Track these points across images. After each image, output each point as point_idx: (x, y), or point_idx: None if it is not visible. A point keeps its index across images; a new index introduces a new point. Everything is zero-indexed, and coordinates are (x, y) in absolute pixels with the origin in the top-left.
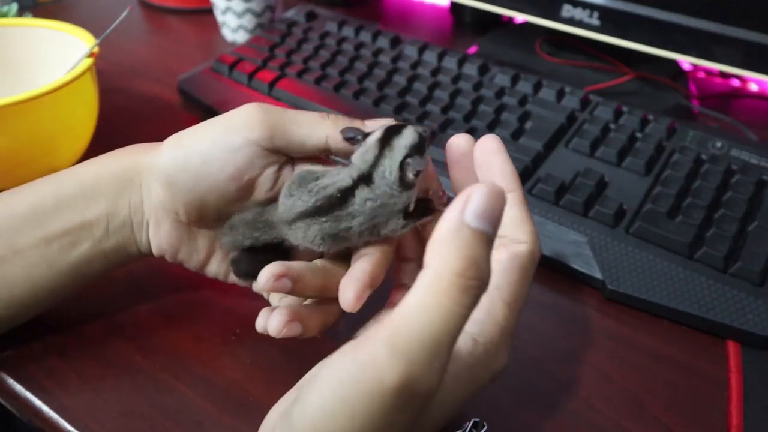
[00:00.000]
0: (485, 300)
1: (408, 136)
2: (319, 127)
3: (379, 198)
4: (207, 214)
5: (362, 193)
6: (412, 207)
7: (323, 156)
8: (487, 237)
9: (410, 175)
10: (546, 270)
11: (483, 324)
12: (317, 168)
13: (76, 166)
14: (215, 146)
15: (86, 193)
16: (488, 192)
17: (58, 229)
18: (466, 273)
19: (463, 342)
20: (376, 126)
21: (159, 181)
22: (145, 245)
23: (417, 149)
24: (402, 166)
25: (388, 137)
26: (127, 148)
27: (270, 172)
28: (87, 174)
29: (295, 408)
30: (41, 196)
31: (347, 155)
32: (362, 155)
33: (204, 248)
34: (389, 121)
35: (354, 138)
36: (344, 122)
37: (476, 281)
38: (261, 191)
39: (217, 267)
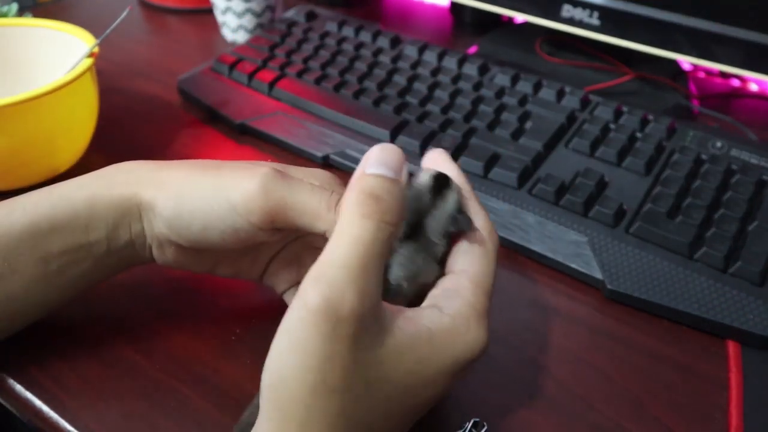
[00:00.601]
0: (451, 279)
1: (454, 191)
2: (320, 223)
3: (423, 249)
4: (215, 253)
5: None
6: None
7: None
8: (385, 177)
9: (453, 230)
10: (546, 270)
11: (449, 299)
12: None
13: (67, 185)
14: (218, 220)
15: (80, 219)
16: (381, 147)
17: (56, 250)
18: (366, 203)
19: (428, 311)
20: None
21: (161, 225)
22: (150, 258)
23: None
24: (453, 220)
25: (438, 187)
26: (122, 170)
27: (267, 239)
28: (80, 199)
29: None
30: (34, 219)
31: None
32: (413, 201)
33: (211, 260)
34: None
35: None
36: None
37: (377, 210)
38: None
39: (225, 270)
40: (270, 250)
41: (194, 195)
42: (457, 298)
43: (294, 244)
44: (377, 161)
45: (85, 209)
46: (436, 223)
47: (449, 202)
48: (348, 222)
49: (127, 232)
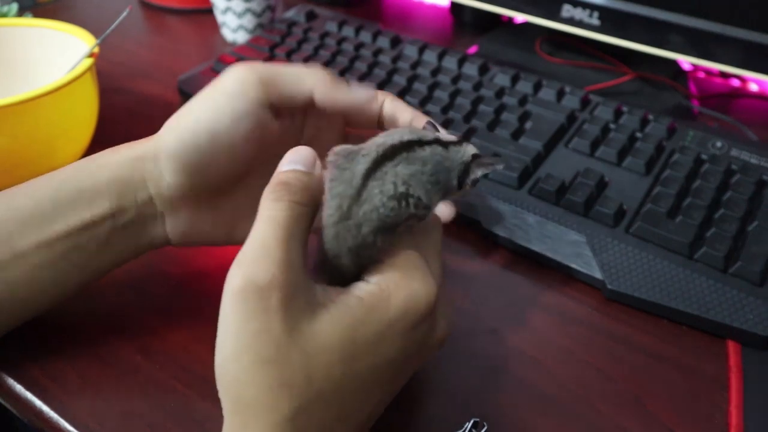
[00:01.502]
0: (385, 255)
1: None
2: (306, 83)
3: (448, 160)
4: (227, 183)
5: (437, 148)
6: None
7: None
8: (294, 170)
9: (478, 173)
10: (546, 270)
11: (376, 271)
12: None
13: (70, 167)
14: (221, 118)
15: (85, 196)
16: (293, 150)
17: (60, 231)
18: (276, 189)
19: (356, 284)
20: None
21: (169, 169)
22: (160, 236)
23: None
24: (475, 158)
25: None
26: (120, 146)
27: (274, 130)
28: (83, 177)
29: None
30: (38, 201)
31: (336, 108)
32: (441, 135)
33: (229, 218)
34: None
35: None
36: (330, 76)
37: (287, 192)
38: (272, 149)
39: (244, 232)
40: None
41: (191, 111)
42: (383, 267)
43: None
44: (288, 161)
45: (88, 187)
46: (461, 154)
47: (471, 150)
48: (262, 208)
49: (133, 203)
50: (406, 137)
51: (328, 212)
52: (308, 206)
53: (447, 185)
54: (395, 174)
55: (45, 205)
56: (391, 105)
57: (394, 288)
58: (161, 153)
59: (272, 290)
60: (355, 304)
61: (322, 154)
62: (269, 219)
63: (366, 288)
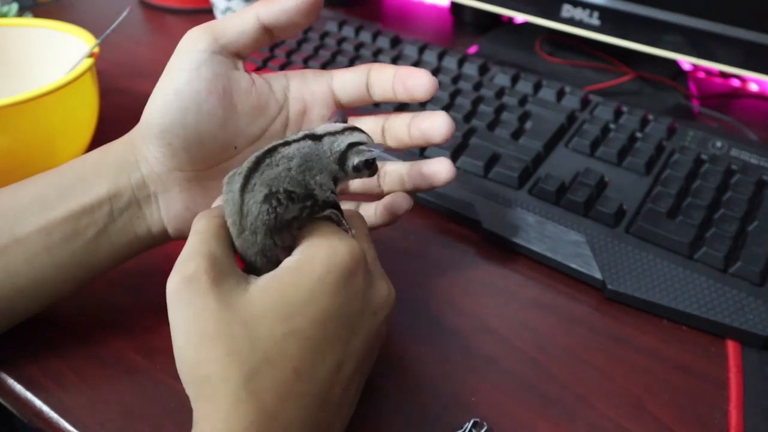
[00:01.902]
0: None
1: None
2: (247, 13)
3: (319, 151)
4: (210, 152)
5: (305, 142)
6: (337, 198)
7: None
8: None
9: (355, 160)
10: (546, 270)
11: (298, 245)
12: None
13: (76, 159)
14: (180, 75)
15: (86, 181)
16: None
17: (59, 217)
18: (199, 215)
19: (283, 261)
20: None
21: (152, 142)
22: (157, 223)
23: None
24: (352, 147)
25: (354, 129)
26: (119, 138)
27: (241, 82)
28: (86, 164)
29: None
30: (44, 188)
31: (287, 26)
32: (327, 127)
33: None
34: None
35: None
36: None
37: (206, 212)
38: (245, 104)
39: None
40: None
41: (160, 84)
42: (302, 241)
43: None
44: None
45: (90, 170)
46: (337, 144)
47: (357, 137)
48: (191, 230)
49: (128, 185)
50: (273, 143)
51: (230, 230)
52: (220, 218)
53: (329, 170)
54: (261, 182)
55: (49, 191)
56: (376, 71)
57: (316, 249)
58: (147, 131)
59: (200, 276)
60: (282, 272)
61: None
62: (193, 233)
63: (290, 259)
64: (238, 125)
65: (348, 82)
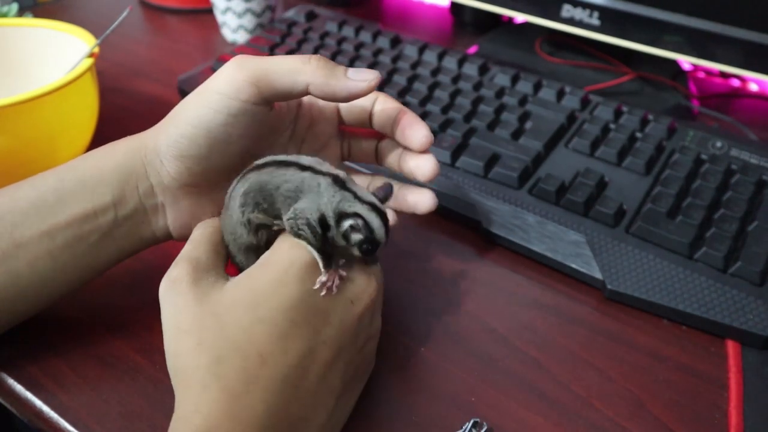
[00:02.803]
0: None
1: (377, 226)
2: (300, 77)
3: (322, 191)
4: (225, 173)
5: (324, 178)
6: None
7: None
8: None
9: (351, 235)
10: (546, 270)
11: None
12: None
13: (74, 160)
14: (217, 117)
15: (88, 186)
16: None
17: (62, 221)
18: (210, 220)
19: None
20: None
21: (170, 160)
22: (162, 228)
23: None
24: (357, 217)
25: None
26: (121, 140)
27: (269, 119)
28: (87, 167)
29: None
30: (42, 192)
31: (328, 98)
32: (359, 189)
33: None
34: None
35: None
36: (326, 66)
37: (201, 225)
38: (265, 131)
39: None
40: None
41: (188, 107)
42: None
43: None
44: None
45: (92, 177)
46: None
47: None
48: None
49: (135, 193)
50: (284, 158)
51: (224, 236)
52: (215, 227)
53: (321, 211)
54: (242, 184)
55: (48, 195)
56: (382, 102)
57: (278, 247)
58: (161, 144)
59: (182, 278)
60: (252, 268)
61: (316, 145)
62: (188, 241)
63: (262, 257)
64: (254, 146)
65: (354, 105)
